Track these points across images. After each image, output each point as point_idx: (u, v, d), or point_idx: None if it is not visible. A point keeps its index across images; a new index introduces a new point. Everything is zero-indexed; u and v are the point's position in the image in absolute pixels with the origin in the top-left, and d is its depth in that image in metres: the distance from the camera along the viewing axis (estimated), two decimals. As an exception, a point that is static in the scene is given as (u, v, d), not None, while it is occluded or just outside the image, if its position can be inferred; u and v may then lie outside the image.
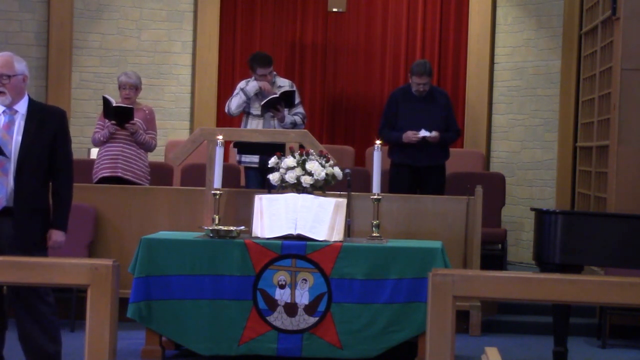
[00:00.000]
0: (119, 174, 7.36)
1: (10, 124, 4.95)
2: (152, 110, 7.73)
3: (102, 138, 7.45)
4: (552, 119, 9.23)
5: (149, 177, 7.61)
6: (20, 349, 5.07)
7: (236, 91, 7.91)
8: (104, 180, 7.36)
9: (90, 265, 2.74)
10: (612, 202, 7.20)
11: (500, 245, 8.59)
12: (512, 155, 9.56)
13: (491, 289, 2.71)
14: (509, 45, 9.61)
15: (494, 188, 8.34)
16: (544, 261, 5.87)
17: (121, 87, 7.58)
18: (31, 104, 5.03)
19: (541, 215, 5.90)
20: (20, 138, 4.92)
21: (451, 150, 8.08)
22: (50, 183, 5.05)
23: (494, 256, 8.46)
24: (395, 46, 9.81)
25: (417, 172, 7.71)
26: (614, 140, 7.30)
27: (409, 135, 7.60)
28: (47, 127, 4.97)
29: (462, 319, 6.91)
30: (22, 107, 4.98)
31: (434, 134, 7.60)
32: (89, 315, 2.72)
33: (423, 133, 7.60)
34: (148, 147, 7.52)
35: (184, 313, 5.89)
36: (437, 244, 6.01)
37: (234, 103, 7.81)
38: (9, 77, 4.93)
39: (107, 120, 7.41)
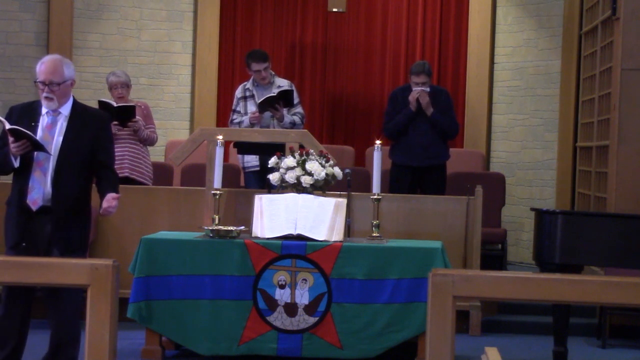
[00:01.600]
0: (126, 174, 7.38)
1: (52, 125, 4.97)
2: (147, 105, 7.83)
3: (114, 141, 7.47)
4: (552, 119, 9.23)
5: (152, 177, 7.63)
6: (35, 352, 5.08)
7: (235, 103, 7.90)
8: None
9: (90, 265, 2.74)
10: (612, 202, 7.20)
11: (500, 245, 8.59)
12: (512, 155, 9.55)
13: (491, 289, 2.71)
14: (509, 45, 9.61)
15: (494, 188, 8.34)
16: (544, 261, 5.87)
17: (112, 87, 7.61)
18: (75, 105, 5.05)
19: (541, 215, 5.90)
20: (61, 139, 4.94)
21: (451, 150, 8.08)
22: (94, 182, 5.07)
23: (494, 256, 8.46)
24: (395, 46, 9.81)
25: (417, 172, 7.71)
26: (614, 140, 7.30)
27: (414, 95, 7.62)
28: (88, 130, 4.99)
29: (462, 319, 6.91)
30: (65, 108, 5.01)
31: (425, 97, 7.62)
32: (89, 315, 2.72)
33: (419, 88, 7.64)
34: (151, 142, 7.63)
35: (184, 313, 5.89)
36: (437, 244, 6.01)
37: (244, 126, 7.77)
38: (58, 84, 4.96)
39: None
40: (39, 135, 4.92)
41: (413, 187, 7.64)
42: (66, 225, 4.91)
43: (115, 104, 7.39)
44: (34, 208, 4.88)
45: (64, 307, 4.94)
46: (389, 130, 7.78)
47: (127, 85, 7.62)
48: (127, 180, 7.34)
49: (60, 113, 4.99)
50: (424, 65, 7.80)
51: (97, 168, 5.03)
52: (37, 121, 4.96)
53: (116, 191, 5.03)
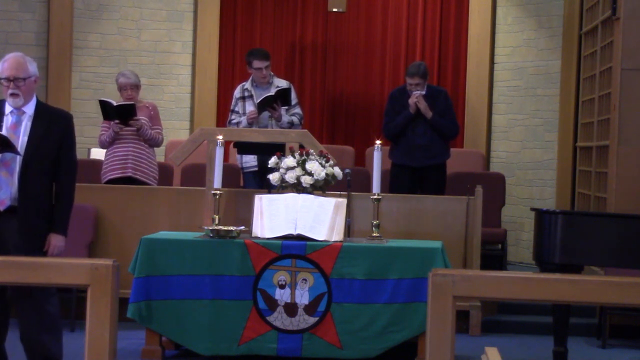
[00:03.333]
0: (129, 174, 7.37)
1: (17, 125, 4.96)
2: (155, 106, 7.76)
3: (107, 139, 7.46)
4: (552, 119, 9.23)
5: (157, 177, 7.61)
6: (20, 349, 5.07)
7: (233, 103, 7.90)
8: (113, 181, 7.37)
9: (90, 265, 2.73)
10: (612, 202, 7.20)
11: (500, 245, 8.59)
12: (512, 155, 9.56)
13: (491, 289, 2.71)
14: (509, 45, 9.61)
15: (494, 188, 8.34)
16: (544, 261, 5.86)
17: (122, 88, 7.58)
18: (38, 105, 5.05)
19: (541, 215, 5.90)
20: (26, 139, 4.94)
21: (451, 150, 8.06)
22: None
23: (494, 256, 8.46)
24: (395, 46, 9.81)
25: (417, 172, 7.71)
26: (614, 140, 7.30)
27: (413, 99, 7.62)
28: (53, 129, 4.98)
29: (462, 319, 6.91)
30: (29, 108, 5.00)
31: (423, 102, 7.62)
32: (89, 315, 2.72)
33: (417, 93, 7.63)
34: (155, 143, 7.55)
35: (184, 313, 5.88)
36: (437, 244, 6.01)
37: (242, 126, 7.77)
38: (23, 79, 4.95)
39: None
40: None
41: (413, 187, 7.63)
42: (32, 225, 4.91)
43: (114, 103, 7.38)
44: (1, 208, 4.88)
45: (40, 306, 4.92)
46: (389, 131, 7.78)
47: (136, 87, 7.59)
48: (131, 180, 7.34)
49: (24, 112, 4.99)
50: (419, 66, 7.78)
51: (57, 171, 5.00)
52: (0, 121, 4.96)
53: (63, 228, 5.00)
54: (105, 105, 7.38)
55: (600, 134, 7.96)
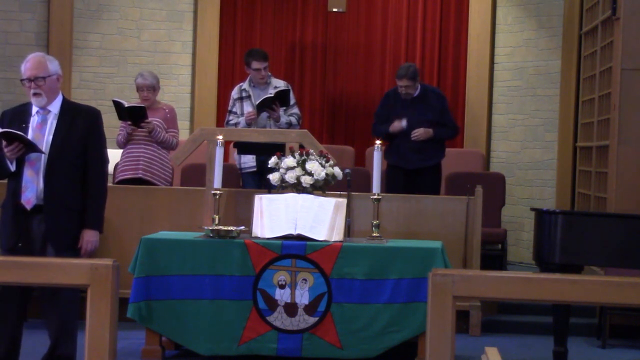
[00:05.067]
0: (140, 175, 7.38)
1: (42, 124, 4.98)
2: (173, 108, 7.74)
3: (122, 139, 7.49)
4: (552, 119, 9.23)
5: (171, 179, 7.60)
6: (36, 348, 5.08)
7: (231, 104, 7.89)
8: (125, 181, 7.38)
9: (90, 265, 2.73)
10: (612, 202, 7.20)
11: (500, 245, 8.59)
12: (512, 155, 9.56)
13: (491, 289, 2.71)
14: (509, 45, 9.61)
15: (494, 188, 8.34)
16: (544, 261, 5.86)
17: (138, 89, 7.59)
18: (64, 103, 5.06)
19: (541, 215, 5.90)
20: (51, 137, 4.95)
21: (451, 150, 8.08)
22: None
23: (494, 256, 8.46)
24: (395, 46, 9.81)
25: (411, 174, 7.70)
26: (614, 140, 7.30)
27: (395, 125, 7.64)
28: (79, 126, 4.99)
29: (462, 319, 6.91)
30: (55, 106, 5.00)
31: (420, 132, 7.60)
32: (89, 315, 2.71)
33: (405, 123, 7.63)
34: (169, 145, 7.52)
35: (184, 313, 5.88)
36: (437, 244, 6.01)
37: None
38: (44, 78, 4.95)
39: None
40: (30, 135, 4.93)
41: (407, 188, 7.60)
42: (60, 223, 4.91)
43: (126, 104, 7.38)
44: (28, 207, 4.89)
45: (61, 305, 4.94)
46: (375, 132, 7.83)
47: (153, 88, 7.57)
48: (141, 182, 7.34)
49: (50, 112, 4.99)
50: (407, 68, 7.74)
51: (87, 168, 5.01)
52: (27, 122, 4.97)
53: (96, 223, 5.03)
54: (118, 106, 7.39)
55: (600, 134, 7.96)
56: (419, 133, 7.63)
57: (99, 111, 5.21)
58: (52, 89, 4.99)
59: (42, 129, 4.96)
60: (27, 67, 4.99)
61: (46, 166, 4.91)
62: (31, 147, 4.87)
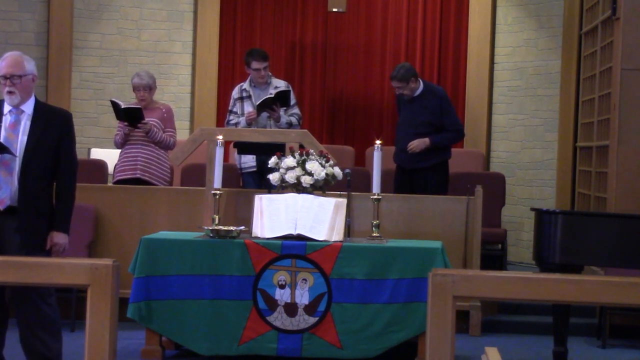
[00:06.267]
0: (138, 175, 7.38)
1: (16, 124, 4.96)
2: (170, 108, 7.72)
3: (120, 140, 7.49)
4: (552, 119, 9.23)
5: (169, 179, 7.60)
6: (20, 349, 5.06)
7: (231, 104, 7.90)
8: (124, 182, 7.38)
9: (90, 265, 2.73)
10: (612, 202, 7.20)
11: (500, 245, 8.59)
12: (512, 155, 9.56)
13: (491, 289, 2.71)
14: (509, 45, 9.61)
15: (494, 188, 8.33)
16: (544, 261, 5.86)
17: (135, 89, 7.59)
18: (37, 104, 5.05)
19: (541, 215, 5.90)
20: (25, 138, 4.94)
21: (452, 150, 8.02)
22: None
23: (494, 256, 8.46)
24: (395, 46, 9.81)
25: (414, 173, 7.65)
26: (614, 140, 7.30)
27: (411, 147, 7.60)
28: (52, 128, 4.98)
29: (462, 319, 6.91)
30: (28, 107, 5.00)
31: (415, 144, 7.57)
32: (89, 315, 2.71)
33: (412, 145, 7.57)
34: (166, 145, 7.50)
35: (184, 313, 5.88)
36: (437, 244, 6.01)
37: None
38: (20, 77, 4.95)
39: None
40: (2, 134, 4.93)
41: (412, 187, 7.56)
42: (32, 225, 4.91)
43: (122, 105, 7.38)
44: (1, 208, 4.88)
45: (38, 306, 4.91)
46: None
47: (149, 88, 7.56)
48: (139, 182, 7.34)
49: (23, 112, 4.98)
50: (399, 70, 7.67)
51: (57, 170, 5.00)
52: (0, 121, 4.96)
53: (65, 225, 4.99)
54: (115, 106, 7.39)
55: (600, 134, 7.96)
56: (414, 146, 7.52)
57: (71, 114, 5.22)
58: (26, 89, 4.98)
59: (15, 129, 4.95)
60: (3, 65, 4.99)
61: (21, 167, 4.90)
62: (3, 149, 4.86)
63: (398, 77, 7.58)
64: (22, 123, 4.97)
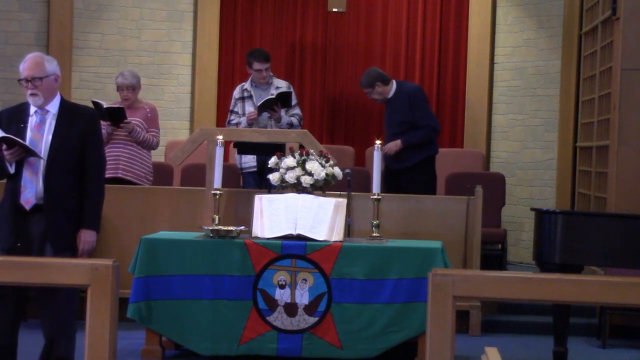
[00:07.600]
0: (120, 175, 7.36)
1: (41, 124, 4.97)
2: (154, 108, 7.69)
3: (103, 139, 7.45)
4: (552, 119, 9.23)
5: (152, 178, 7.58)
6: (35, 350, 5.07)
7: (232, 104, 7.90)
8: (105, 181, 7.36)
9: (90, 265, 2.73)
10: (612, 202, 7.20)
11: (500, 245, 8.59)
12: (512, 155, 9.55)
13: (491, 289, 2.71)
14: (509, 45, 9.61)
15: (494, 188, 8.34)
16: (544, 261, 5.86)
17: (119, 88, 7.58)
18: (63, 103, 5.04)
19: (541, 215, 5.90)
20: (50, 137, 4.94)
21: (451, 150, 8.06)
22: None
23: (494, 256, 8.46)
24: (395, 46, 9.80)
25: (397, 175, 7.71)
26: (614, 140, 7.30)
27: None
28: (77, 126, 4.98)
29: (462, 319, 6.91)
30: (53, 106, 4.99)
31: (389, 146, 7.58)
32: (89, 315, 2.71)
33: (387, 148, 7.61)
34: (149, 145, 7.49)
35: (184, 313, 5.88)
36: (437, 244, 6.01)
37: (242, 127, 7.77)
38: (41, 79, 4.94)
39: None
40: (29, 135, 4.93)
41: (398, 187, 7.57)
42: (58, 223, 4.91)
43: (104, 105, 7.36)
44: (27, 207, 4.89)
45: (58, 305, 4.94)
46: None
47: (133, 88, 7.55)
48: (121, 181, 7.31)
49: (48, 112, 4.98)
50: (363, 76, 7.84)
51: (84, 168, 5.00)
52: (25, 122, 4.96)
53: (94, 223, 5.01)
54: (97, 106, 7.37)
55: (600, 134, 7.96)
56: (387, 148, 7.58)
57: (97, 112, 5.21)
58: (49, 89, 4.98)
59: (40, 129, 4.96)
60: (24, 67, 4.99)
61: (46, 166, 4.91)
62: (30, 152, 4.87)
63: (362, 84, 7.81)
64: (47, 122, 4.97)
